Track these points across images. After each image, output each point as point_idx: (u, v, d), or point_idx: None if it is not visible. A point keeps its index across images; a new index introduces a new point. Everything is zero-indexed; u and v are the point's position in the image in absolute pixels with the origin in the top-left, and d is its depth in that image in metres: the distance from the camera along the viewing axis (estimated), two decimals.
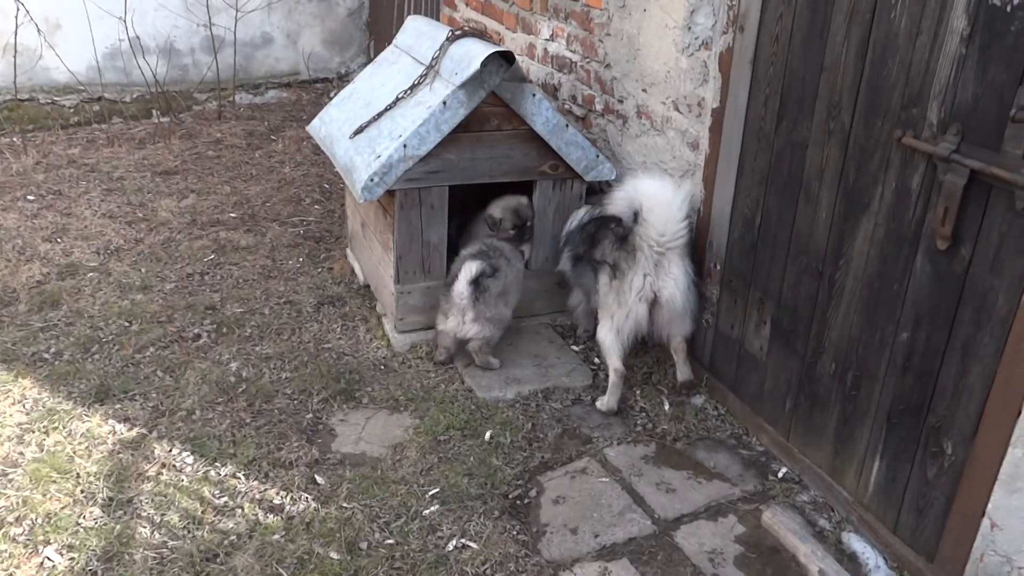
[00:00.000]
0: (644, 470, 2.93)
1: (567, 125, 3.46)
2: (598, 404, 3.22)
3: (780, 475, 2.91)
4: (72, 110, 6.24)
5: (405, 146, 3.27)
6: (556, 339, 3.70)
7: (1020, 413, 2.06)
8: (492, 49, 3.23)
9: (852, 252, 2.51)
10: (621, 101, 3.68)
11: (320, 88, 7.17)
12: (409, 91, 3.53)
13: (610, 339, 3.18)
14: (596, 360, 3.56)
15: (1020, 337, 2.03)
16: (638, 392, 3.35)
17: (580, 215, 3.52)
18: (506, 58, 3.27)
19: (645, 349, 3.60)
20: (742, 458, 3.00)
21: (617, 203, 3.17)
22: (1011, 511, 2.14)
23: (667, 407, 3.26)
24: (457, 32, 3.54)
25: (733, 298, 3.08)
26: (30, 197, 4.94)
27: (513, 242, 3.61)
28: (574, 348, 3.65)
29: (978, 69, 2.05)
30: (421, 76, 3.53)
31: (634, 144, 3.64)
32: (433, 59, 3.52)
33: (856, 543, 2.58)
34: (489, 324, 3.34)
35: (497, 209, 3.69)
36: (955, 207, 2.13)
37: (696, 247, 3.23)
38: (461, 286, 3.26)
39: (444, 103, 3.26)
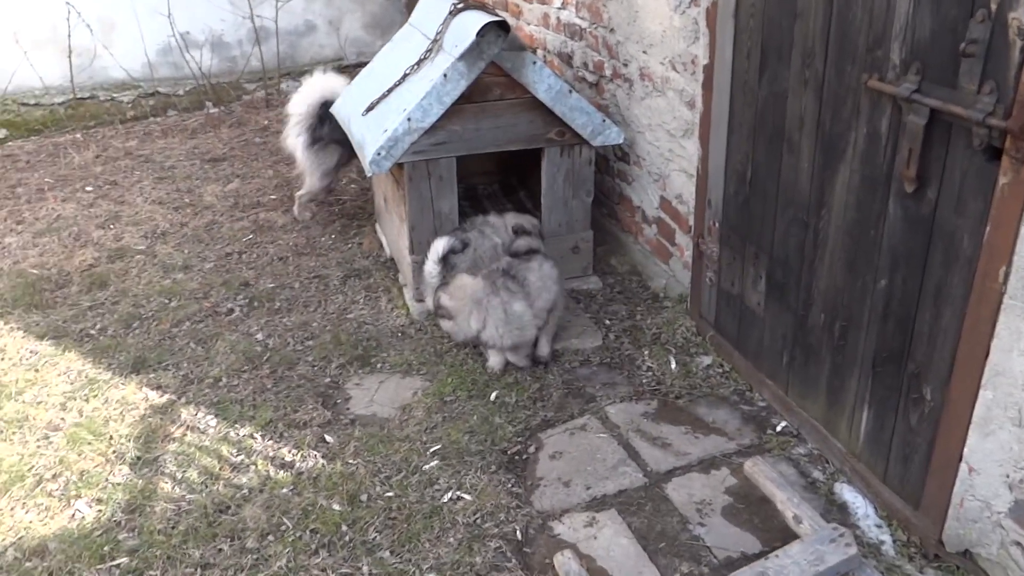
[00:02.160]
0: (642, 426, 2.98)
1: (570, 91, 3.50)
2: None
3: (778, 429, 2.91)
4: (129, 105, 6.59)
5: (409, 119, 3.38)
6: (570, 303, 3.76)
7: (988, 354, 2.03)
8: (488, 19, 3.29)
9: (833, 200, 2.49)
10: (626, 64, 3.69)
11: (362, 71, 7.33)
12: (416, 66, 3.64)
13: None
14: (607, 322, 3.61)
15: (984, 276, 2.00)
16: (646, 352, 3.39)
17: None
18: (503, 27, 3.33)
19: (657, 311, 3.64)
20: (742, 413, 3.02)
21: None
22: (986, 454, 2.11)
23: (673, 366, 3.29)
24: (460, 5, 3.61)
25: (732, 255, 3.09)
26: (88, 188, 5.27)
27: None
28: (588, 313, 3.70)
29: (933, 4, 2.01)
30: (426, 51, 3.63)
31: (640, 107, 3.66)
32: (437, 33, 3.61)
33: (847, 493, 2.58)
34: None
35: (526, 221, 3.68)
36: (918, 148, 2.10)
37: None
38: (430, 264, 3.31)
39: (445, 75, 3.35)
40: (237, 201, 5.04)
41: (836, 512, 2.54)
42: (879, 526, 2.47)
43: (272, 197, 5.11)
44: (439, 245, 3.30)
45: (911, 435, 2.36)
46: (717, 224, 3.14)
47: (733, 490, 2.66)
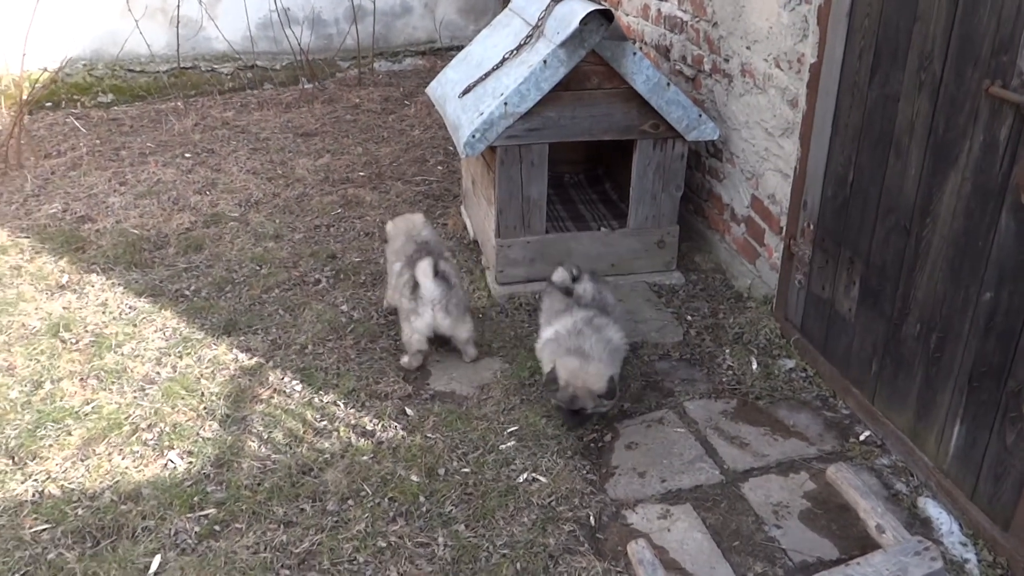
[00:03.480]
0: (721, 424, 2.96)
1: (668, 84, 3.48)
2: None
3: (862, 438, 2.86)
4: (228, 77, 6.80)
5: (506, 104, 3.41)
6: (652, 297, 3.75)
7: None
8: (592, 7, 3.30)
9: (939, 209, 2.42)
10: (727, 60, 3.65)
11: (454, 55, 7.36)
12: (515, 51, 3.66)
13: None
14: (688, 318, 3.59)
15: None
16: (727, 351, 3.36)
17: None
18: (606, 16, 3.32)
19: (740, 310, 3.60)
20: (824, 419, 2.97)
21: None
22: None
23: (755, 366, 3.26)
24: None
25: (825, 258, 3.03)
26: (187, 155, 5.47)
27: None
28: (670, 308, 3.68)
29: None
30: (527, 36, 3.65)
31: (738, 103, 3.61)
32: (539, 20, 3.63)
33: (932, 508, 2.52)
34: (460, 312, 3.24)
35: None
36: None
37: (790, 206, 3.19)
38: (427, 283, 3.15)
39: (544, 62, 3.37)
40: (327, 176, 5.16)
41: (919, 527, 2.48)
42: (964, 544, 2.41)
43: (361, 174, 5.21)
44: (426, 264, 3.15)
45: (1005, 454, 2.29)
46: (812, 226, 3.08)
47: (812, 495, 2.62)
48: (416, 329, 3.21)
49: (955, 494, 2.48)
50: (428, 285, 3.17)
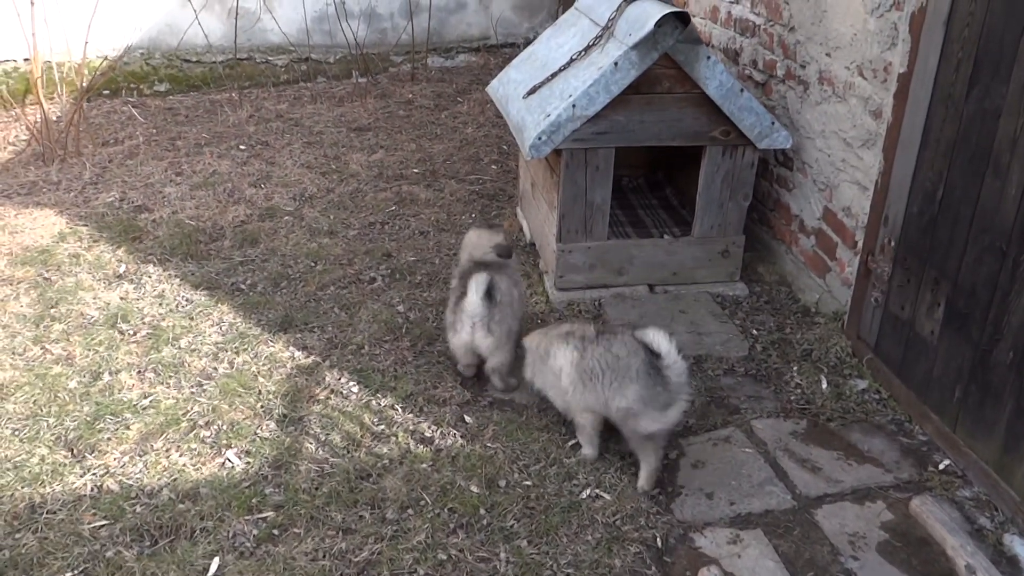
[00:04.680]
0: (791, 445, 2.85)
1: (742, 90, 3.37)
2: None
3: (941, 467, 2.73)
4: (283, 69, 6.80)
5: (574, 106, 3.32)
6: (715, 309, 3.64)
7: None
8: (668, 10, 3.20)
9: None
10: (803, 66, 3.53)
11: (508, 53, 7.34)
12: (583, 52, 3.57)
13: None
14: (754, 332, 3.48)
15: None
16: (795, 368, 3.24)
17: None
18: (682, 19, 3.22)
19: (808, 326, 3.48)
20: (901, 445, 2.84)
21: None
22: None
23: (824, 386, 3.14)
24: None
25: (906, 277, 2.90)
26: (242, 147, 5.46)
27: None
28: (734, 321, 3.57)
29: None
30: (596, 37, 3.56)
31: (813, 112, 3.49)
32: (609, 20, 3.53)
33: (1019, 546, 2.39)
34: (501, 336, 3.04)
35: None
36: None
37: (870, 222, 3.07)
38: (474, 299, 2.97)
39: (615, 64, 3.28)
40: (381, 172, 5.12)
41: (1006, 565, 2.35)
42: None
43: (415, 171, 5.16)
44: (482, 280, 2.96)
45: None
46: (893, 243, 2.96)
47: (890, 526, 2.51)
48: (453, 345, 3.10)
49: None
50: (473, 300, 2.96)
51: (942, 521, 2.27)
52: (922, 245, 2.81)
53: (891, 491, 2.65)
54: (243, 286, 3.81)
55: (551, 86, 3.60)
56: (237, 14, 6.30)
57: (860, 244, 3.19)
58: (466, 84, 6.82)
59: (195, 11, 6.27)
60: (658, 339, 2.53)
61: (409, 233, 4.38)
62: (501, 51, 7.41)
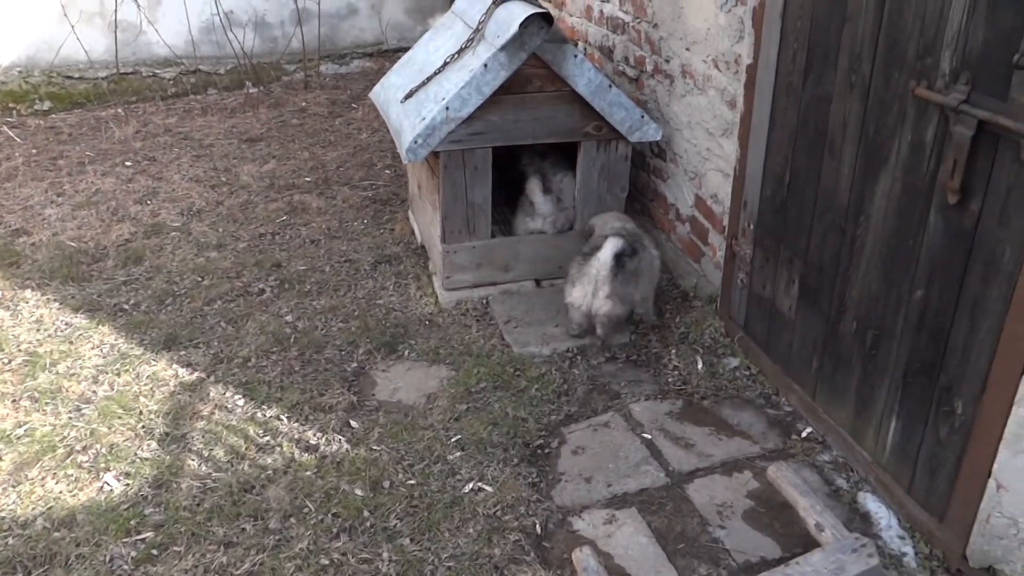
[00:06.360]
0: (666, 425, 2.97)
1: (610, 86, 3.48)
2: None
3: (804, 435, 2.89)
4: (171, 82, 6.66)
5: (447, 108, 3.38)
6: None
7: None
8: (532, 10, 3.28)
9: (871, 208, 2.45)
10: (668, 61, 3.66)
11: (402, 57, 7.33)
12: (456, 55, 3.63)
13: None
14: (635, 318, 3.59)
15: None
16: (673, 351, 3.37)
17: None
18: (546, 19, 3.31)
19: (686, 310, 3.61)
20: (768, 417, 2.99)
21: None
22: (1016, 472, 2.08)
23: (700, 366, 3.27)
24: None
25: (766, 257, 3.05)
26: (127, 163, 5.34)
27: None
28: None
29: (988, 14, 1.97)
30: (468, 40, 3.62)
31: (680, 104, 3.63)
32: (479, 23, 3.60)
33: (871, 503, 2.56)
34: (619, 302, 3.22)
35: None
36: (963, 159, 2.06)
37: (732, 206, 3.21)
38: (605, 257, 3.13)
39: (485, 66, 3.34)
40: (272, 182, 5.08)
41: (859, 521, 2.51)
42: (902, 537, 2.44)
43: (307, 179, 5.14)
44: (618, 242, 3.14)
45: (939, 448, 2.32)
46: (752, 226, 3.10)
47: (755, 494, 2.64)
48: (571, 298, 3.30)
49: (892, 488, 2.52)
50: (605, 258, 3.13)
51: (795, 484, 2.41)
52: (776, 226, 2.96)
53: (757, 461, 2.78)
54: (126, 306, 3.75)
55: (426, 89, 3.65)
56: (116, 27, 6.15)
57: (727, 229, 3.33)
58: (361, 90, 6.80)
59: (72, 25, 6.09)
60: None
61: (300, 242, 4.37)
62: (395, 55, 7.40)
